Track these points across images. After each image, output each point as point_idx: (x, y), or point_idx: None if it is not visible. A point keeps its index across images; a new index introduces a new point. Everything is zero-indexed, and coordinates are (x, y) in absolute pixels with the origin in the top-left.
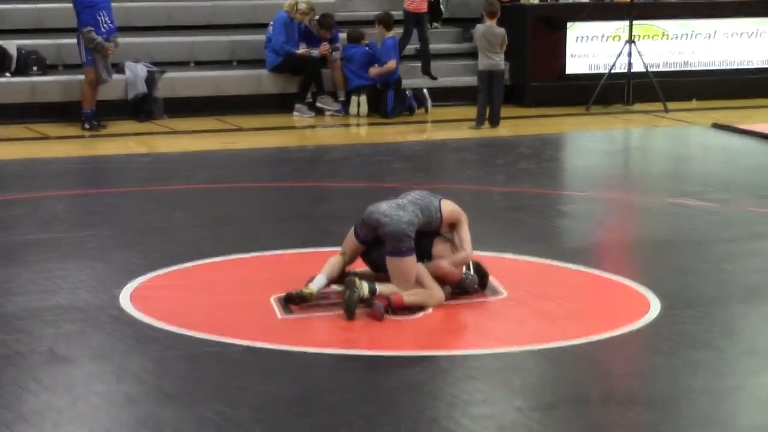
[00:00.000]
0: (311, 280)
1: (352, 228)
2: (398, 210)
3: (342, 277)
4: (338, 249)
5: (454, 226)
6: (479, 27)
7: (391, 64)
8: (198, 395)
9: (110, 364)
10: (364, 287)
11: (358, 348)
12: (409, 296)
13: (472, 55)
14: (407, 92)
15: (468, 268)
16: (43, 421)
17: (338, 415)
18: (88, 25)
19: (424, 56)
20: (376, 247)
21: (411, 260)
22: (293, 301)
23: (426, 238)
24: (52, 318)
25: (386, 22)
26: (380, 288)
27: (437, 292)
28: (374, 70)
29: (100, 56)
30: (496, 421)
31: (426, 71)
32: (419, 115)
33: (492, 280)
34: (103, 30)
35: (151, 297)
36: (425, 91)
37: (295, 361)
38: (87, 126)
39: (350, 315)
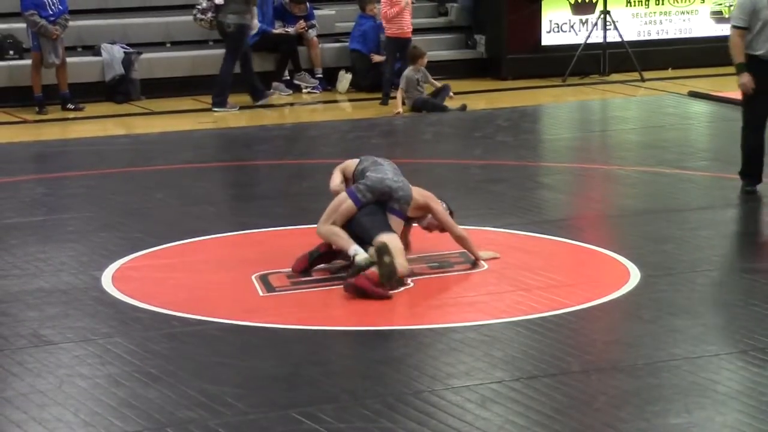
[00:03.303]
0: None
1: (344, 196)
2: (401, 175)
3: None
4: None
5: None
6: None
7: None
8: (181, 374)
9: (94, 346)
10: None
11: (340, 323)
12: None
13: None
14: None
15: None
16: (29, 404)
17: (322, 389)
18: (30, 8)
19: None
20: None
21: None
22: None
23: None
24: (35, 301)
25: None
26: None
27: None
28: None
29: (46, 39)
30: (478, 393)
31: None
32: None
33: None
34: (51, 12)
35: (133, 278)
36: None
37: (278, 337)
38: (38, 110)
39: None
